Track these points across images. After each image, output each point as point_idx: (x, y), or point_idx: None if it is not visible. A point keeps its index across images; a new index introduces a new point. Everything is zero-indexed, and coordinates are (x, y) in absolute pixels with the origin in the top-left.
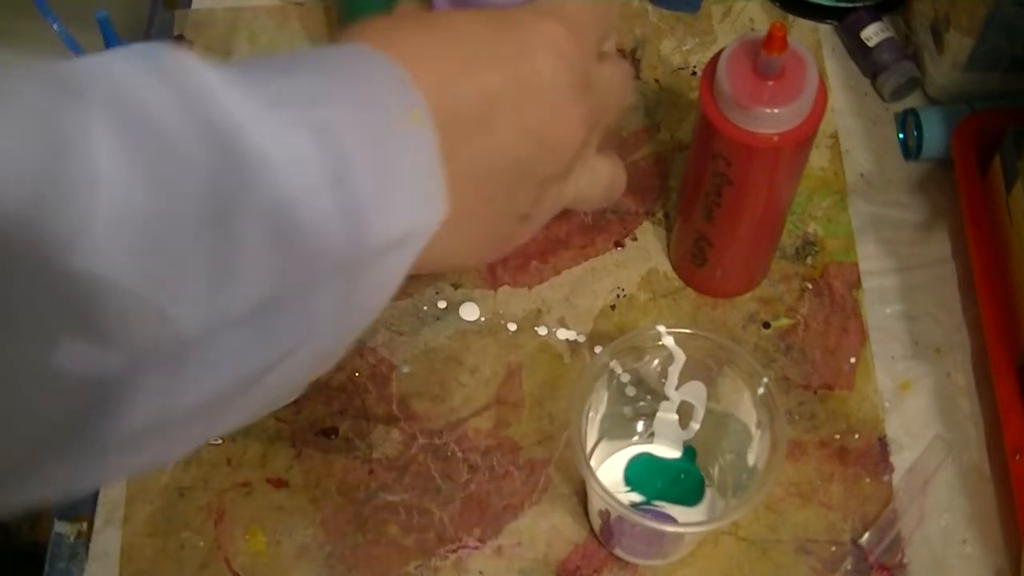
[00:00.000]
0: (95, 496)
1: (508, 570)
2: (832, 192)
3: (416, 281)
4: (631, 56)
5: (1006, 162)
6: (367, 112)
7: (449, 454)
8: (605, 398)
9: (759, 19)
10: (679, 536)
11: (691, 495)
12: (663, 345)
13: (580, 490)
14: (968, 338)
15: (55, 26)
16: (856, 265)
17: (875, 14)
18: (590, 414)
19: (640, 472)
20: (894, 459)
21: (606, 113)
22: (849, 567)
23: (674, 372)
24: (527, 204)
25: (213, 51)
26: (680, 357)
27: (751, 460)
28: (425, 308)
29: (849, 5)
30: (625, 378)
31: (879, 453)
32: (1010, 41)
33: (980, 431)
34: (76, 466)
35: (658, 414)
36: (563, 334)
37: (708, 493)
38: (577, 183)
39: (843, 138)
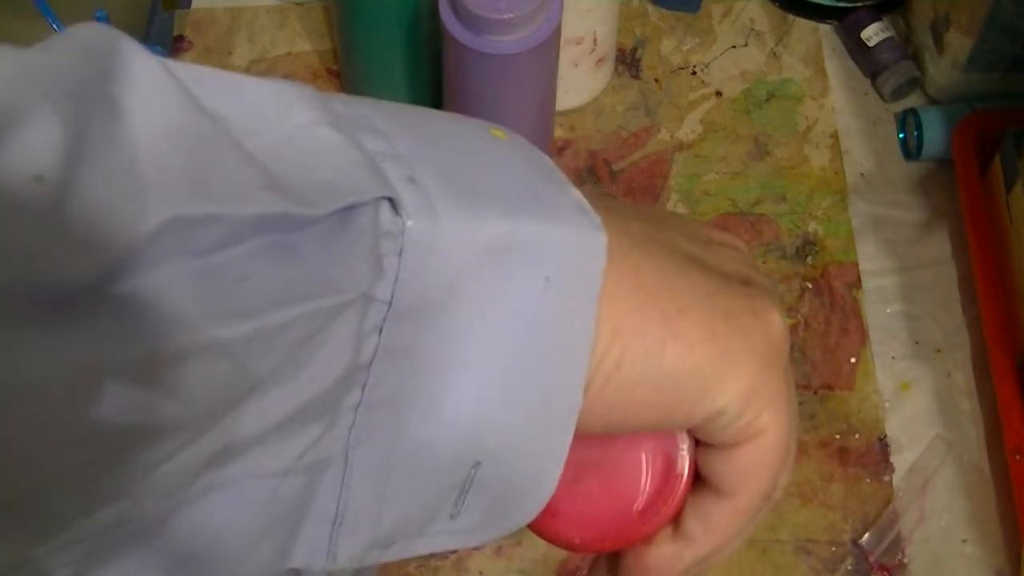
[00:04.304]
0: None
1: (508, 570)
2: (832, 192)
3: None
4: (631, 56)
5: (1006, 162)
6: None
7: None
8: None
9: (759, 19)
10: None
11: None
12: None
13: None
14: (968, 338)
15: (55, 26)
16: (856, 265)
17: (875, 14)
18: None
19: None
20: (894, 459)
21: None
22: (849, 567)
23: None
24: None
25: (213, 51)
26: None
27: None
28: None
29: (849, 5)
30: None
31: (879, 453)
32: (1010, 41)
33: (980, 431)
34: None
35: None
36: None
37: None
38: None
39: (843, 138)
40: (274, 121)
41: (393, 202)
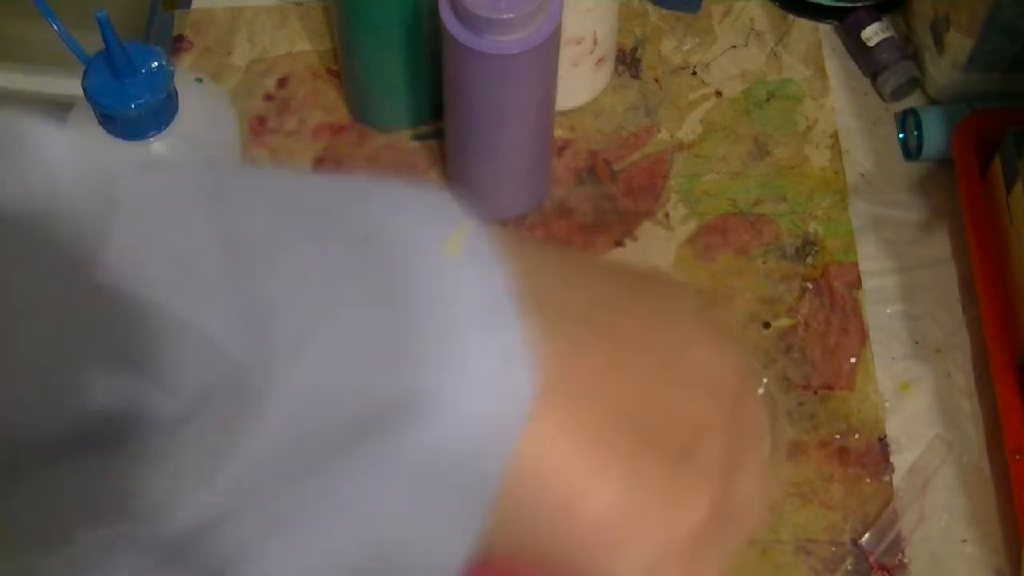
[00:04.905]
0: None
1: None
2: (832, 192)
3: None
4: (631, 56)
5: (1006, 162)
6: None
7: None
8: None
9: (759, 19)
10: None
11: None
12: None
13: None
14: (968, 338)
15: (55, 26)
16: (856, 265)
17: (875, 14)
18: None
19: None
20: (894, 459)
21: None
22: (849, 567)
23: None
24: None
25: (213, 51)
26: None
27: None
28: None
29: (849, 5)
30: None
31: (879, 453)
32: (1010, 41)
33: (980, 431)
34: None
35: None
36: None
37: None
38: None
39: (843, 138)
40: None
41: None
